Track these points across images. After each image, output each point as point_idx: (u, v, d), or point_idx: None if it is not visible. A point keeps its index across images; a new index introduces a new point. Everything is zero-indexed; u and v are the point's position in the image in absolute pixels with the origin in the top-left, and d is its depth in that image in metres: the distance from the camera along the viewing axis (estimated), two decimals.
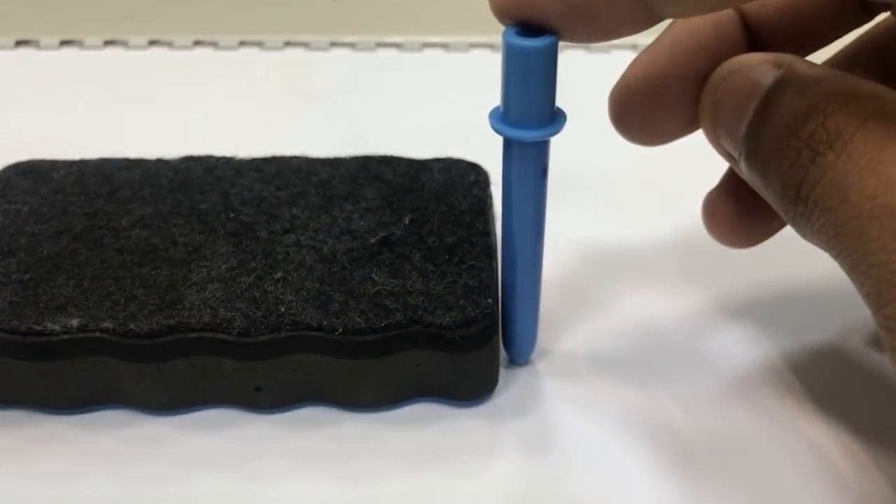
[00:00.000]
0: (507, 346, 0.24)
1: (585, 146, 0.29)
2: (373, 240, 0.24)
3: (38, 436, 0.22)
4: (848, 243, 0.16)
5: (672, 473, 0.21)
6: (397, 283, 0.22)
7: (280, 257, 0.23)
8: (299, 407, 0.23)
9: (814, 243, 0.18)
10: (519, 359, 0.24)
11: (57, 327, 0.21)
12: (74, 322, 0.21)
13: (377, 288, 0.22)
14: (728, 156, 0.20)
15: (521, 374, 0.24)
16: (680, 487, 0.21)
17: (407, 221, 0.24)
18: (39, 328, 0.21)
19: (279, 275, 0.22)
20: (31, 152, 0.28)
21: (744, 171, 0.19)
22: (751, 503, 0.21)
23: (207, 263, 0.23)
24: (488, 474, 0.22)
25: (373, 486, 0.21)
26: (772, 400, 0.23)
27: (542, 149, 0.20)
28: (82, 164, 0.27)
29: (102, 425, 0.23)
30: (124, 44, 0.40)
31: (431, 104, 0.36)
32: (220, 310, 0.22)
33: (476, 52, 0.39)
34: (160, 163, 0.27)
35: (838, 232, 0.16)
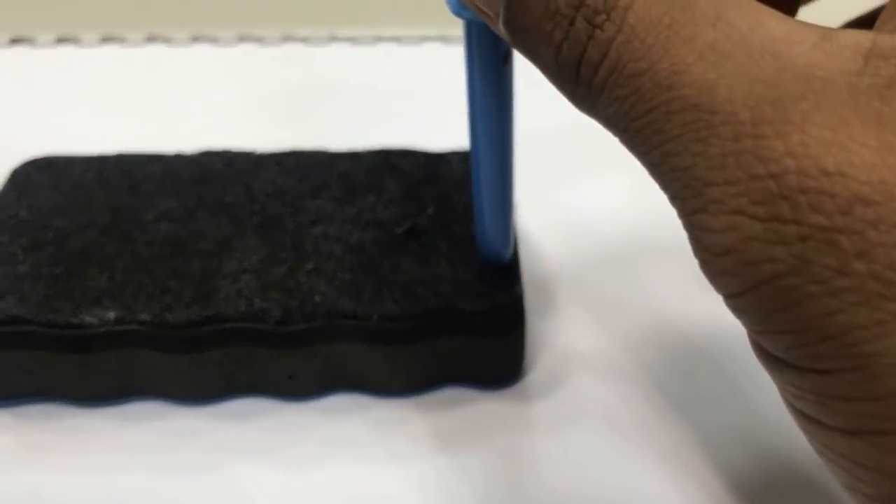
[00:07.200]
0: (480, 243, 0.23)
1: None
2: (399, 230, 0.24)
3: (73, 428, 0.23)
4: (645, 140, 0.14)
5: (700, 456, 0.22)
6: (427, 272, 0.23)
7: (309, 248, 0.23)
8: (330, 394, 0.23)
9: (597, 121, 0.16)
10: (491, 256, 0.23)
11: (94, 320, 0.22)
12: (111, 315, 0.22)
13: (408, 277, 0.23)
14: (481, 12, 0.16)
15: (547, 357, 0.25)
16: (714, 469, 0.22)
17: (430, 212, 0.25)
18: (77, 321, 0.21)
19: (311, 265, 0.23)
20: (36, 150, 0.27)
21: (504, 35, 0.16)
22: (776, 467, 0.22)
23: (238, 255, 0.23)
24: (517, 454, 0.22)
25: (408, 468, 0.22)
26: None
27: None
28: (100, 159, 0.27)
29: (136, 417, 0.23)
30: (121, 40, 0.40)
31: (435, 98, 0.36)
32: (256, 300, 0.22)
33: None
34: (179, 157, 0.27)
35: (631, 126, 0.14)
